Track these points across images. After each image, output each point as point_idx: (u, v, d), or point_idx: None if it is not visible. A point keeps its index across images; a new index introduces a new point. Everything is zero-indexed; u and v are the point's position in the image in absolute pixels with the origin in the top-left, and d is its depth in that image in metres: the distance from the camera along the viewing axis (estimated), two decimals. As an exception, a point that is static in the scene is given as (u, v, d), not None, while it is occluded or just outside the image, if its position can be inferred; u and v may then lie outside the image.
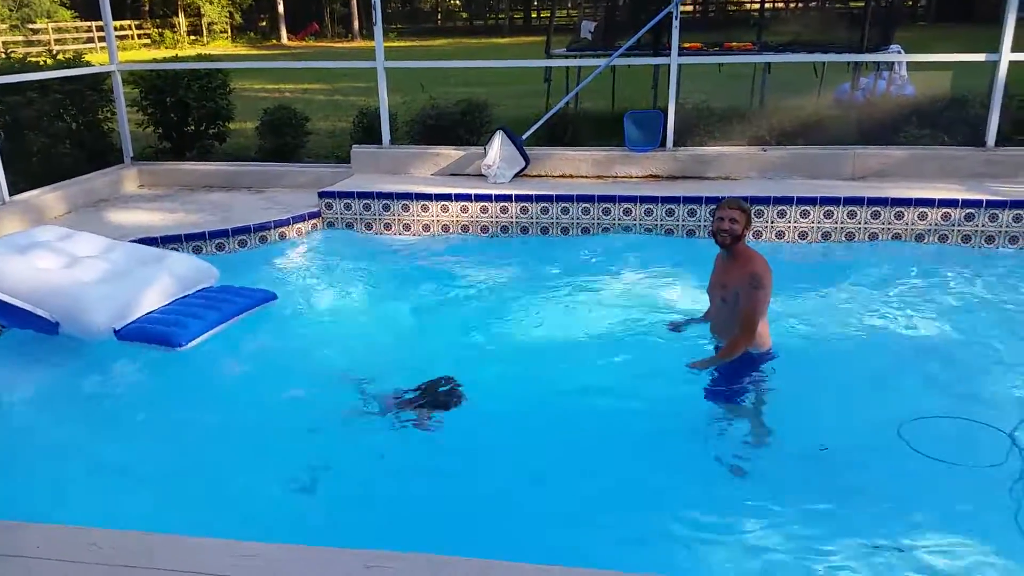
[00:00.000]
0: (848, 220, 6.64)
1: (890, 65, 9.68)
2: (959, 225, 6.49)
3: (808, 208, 6.68)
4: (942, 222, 6.51)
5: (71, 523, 2.69)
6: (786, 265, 6.24)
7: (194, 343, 4.66)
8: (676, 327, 4.72)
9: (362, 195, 7.23)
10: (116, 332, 4.72)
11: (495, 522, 3.41)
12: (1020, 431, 3.84)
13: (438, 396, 4.36)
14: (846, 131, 8.18)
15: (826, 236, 6.70)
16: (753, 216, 4.26)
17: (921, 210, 6.52)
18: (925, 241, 6.54)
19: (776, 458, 3.87)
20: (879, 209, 6.58)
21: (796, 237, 6.73)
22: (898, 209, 6.55)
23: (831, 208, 6.65)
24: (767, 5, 17.13)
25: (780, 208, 6.71)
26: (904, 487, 3.58)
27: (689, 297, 5.55)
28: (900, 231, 6.58)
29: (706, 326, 4.56)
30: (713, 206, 6.65)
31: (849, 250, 6.53)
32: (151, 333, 4.70)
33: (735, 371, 4.21)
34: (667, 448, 3.95)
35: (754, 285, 4.05)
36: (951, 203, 6.49)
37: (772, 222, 6.74)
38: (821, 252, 6.54)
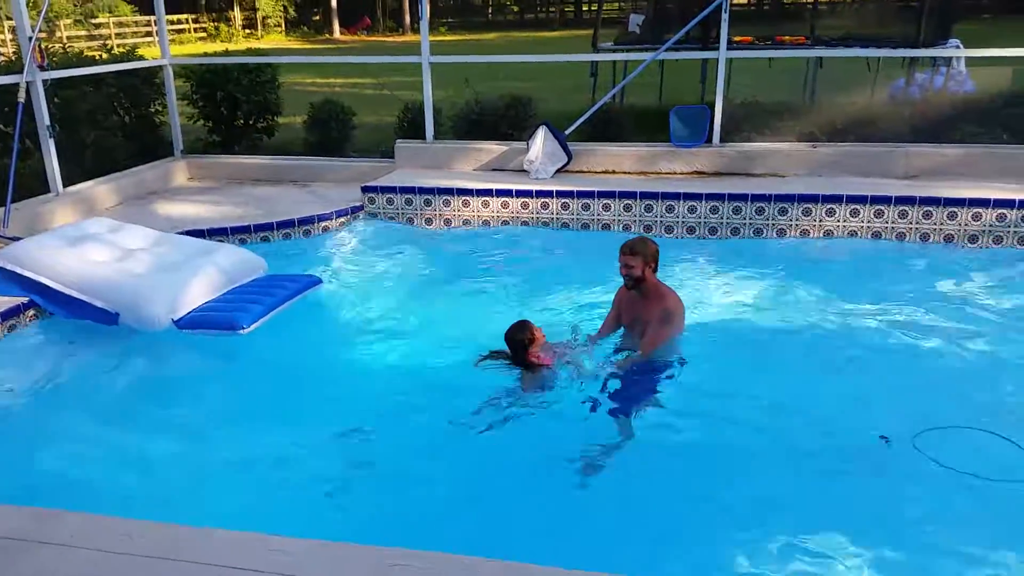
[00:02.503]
0: (899, 220, 6.46)
1: (948, 60, 9.39)
2: (1016, 226, 6.27)
3: (858, 207, 6.52)
4: (997, 223, 6.30)
5: (110, 513, 2.74)
6: (836, 264, 6.12)
7: (255, 326, 4.81)
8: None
9: (404, 190, 7.26)
10: (175, 322, 4.86)
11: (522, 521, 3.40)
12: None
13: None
14: (900, 129, 7.96)
15: (876, 236, 6.53)
16: (656, 251, 4.47)
17: (976, 210, 6.31)
18: (978, 243, 6.34)
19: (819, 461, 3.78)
20: (931, 209, 6.39)
21: (846, 235, 6.57)
22: (951, 209, 6.35)
23: (882, 207, 6.48)
24: (822, -2, 16.78)
25: (829, 207, 6.55)
26: (920, 498, 3.47)
27: (719, 297, 5.46)
28: (952, 232, 6.38)
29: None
30: (760, 204, 6.58)
31: (900, 250, 6.35)
32: (213, 320, 4.87)
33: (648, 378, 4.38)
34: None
35: (664, 320, 4.41)
36: (1007, 204, 6.26)
37: (821, 220, 6.59)
38: (872, 252, 6.37)
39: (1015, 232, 6.28)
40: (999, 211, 6.27)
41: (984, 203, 6.29)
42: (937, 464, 3.59)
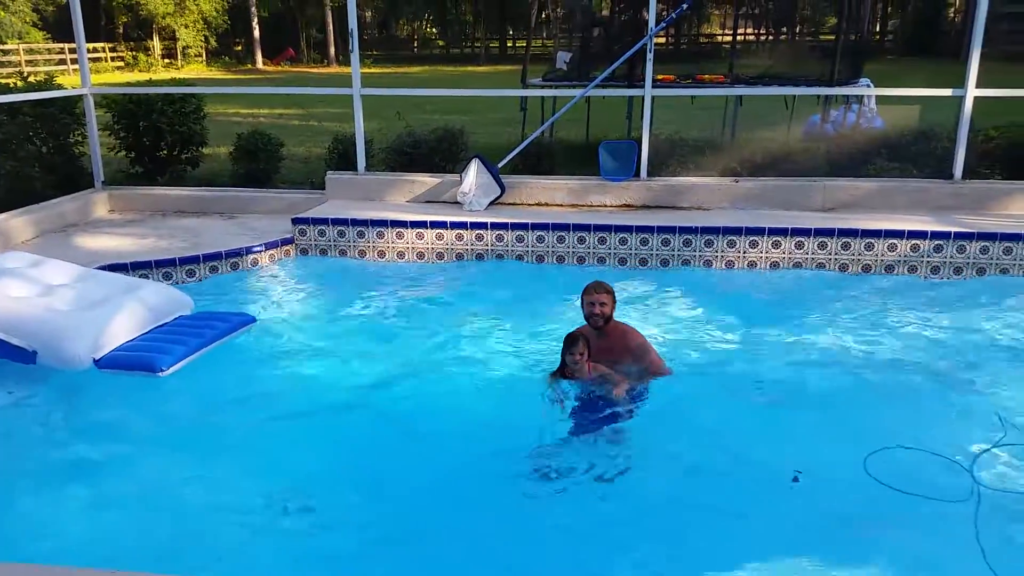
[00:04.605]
0: (819, 251, 6.72)
1: (860, 98, 9.86)
2: (928, 256, 6.59)
3: (780, 239, 6.75)
4: (912, 253, 6.61)
5: (48, 561, 2.60)
6: (758, 295, 6.31)
7: (174, 368, 4.66)
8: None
9: (336, 221, 7.20)
10: (96, 361, 4.67)
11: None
12: (978, 465, 3.87)
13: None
14: (816, 163, 8.30)
15: (797, 266, 6.77)
16: (616, 298, 4.68)
17: (891, 241, 6.62)
18: (895, 272, 6.63)
19: (743, 491, 3.86)
20: (849, 240, 6.67)
21: (767, 267, 6.80)
22: (868, 240, 6.64)
23: (802, 239, 6.73)
24: (739, 37, 17.42)
25: (752, 239, 6.77)
26: (870, 520, 3.58)
27: (665, 328, 5.57)
28: (870, 262, 6.67)
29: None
30: (688, 236, 6.76)
31: (819, 280, 6.59)
32: (132, 360, 4.70)
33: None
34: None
35: (643, 352, 4.59)
36: (920, 235, 6.59)
37: (744, 252, 6.80)
38: (792, 282, 6.59)
39: (928, 262, 6.60)
40: (912, 242, 6.58)
41: (899, 234, 6.60)
42: (883, 485, 3.70)
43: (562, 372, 4.55)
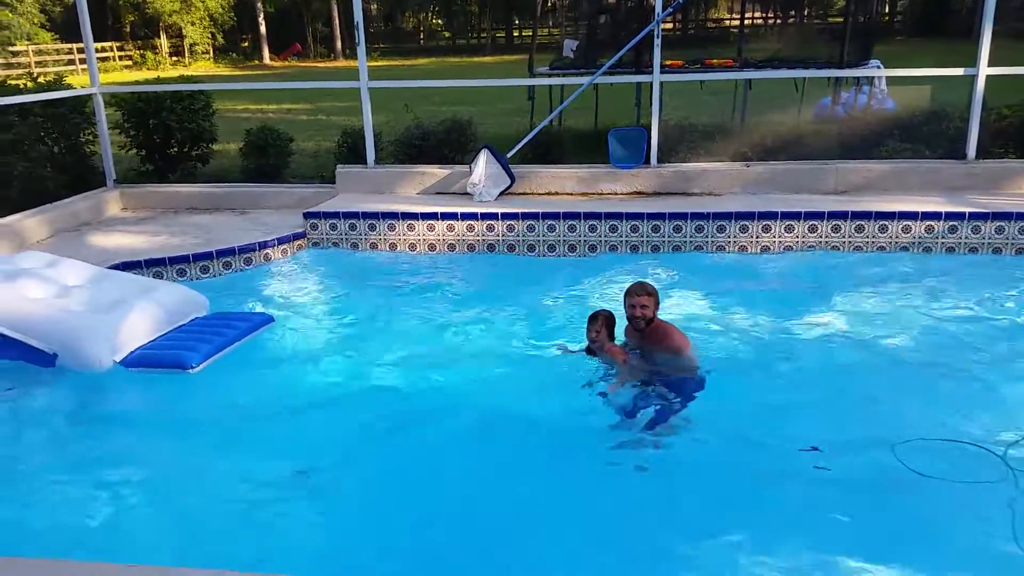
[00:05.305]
0: (832, 234, 6.68)
1: (870, 80, 9.79)
2: (943, 237, 6.55)
3: (792, 223, 6.72)
4: (926, 234, 6.57)
5: (72, 556, 2.64)
6: (771, 280, 6.28)
7: (203, 366, 4.71)
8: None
9: (347, 215, 7.21)
10: (120, 361, 4.72)
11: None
12: (1014, 450, 3.83)
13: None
14: (828, 146, 8.25)
15: (811, 249, 6.73)
16: (660, 297, 4.65)
17: (905, 223, 6.57)
18: (910, 253, 6.59)
19: (763, 478, 3.85)
20: (863, 223, 6.63)
21: (781, 251, 6.77)
22: (882, 222, 6.60)
23: (815, 223, 6.69)
24: (746, 21, 17.31)
25: (765, 223, 6.74)
26: (899, 507, 3.57)
27: (679, 314, 5.56)
28: (884, 244, 6.63)
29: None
30: (700, 222, 6.74)
31: (835, 264, 6.56)
32: (160, 359, 4.75)
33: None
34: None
35: (676, 354, 4.52)
36: (934, 216, 6.54)
37: (757, 237, 6.77)
38: (807, 266, 6.56)
39: (943, 243, 6.55)
40: (927, 223, 6.54)
41: (913, 216, 6.56)
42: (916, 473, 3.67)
43: (588, 348, 4.73)
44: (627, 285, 4.69)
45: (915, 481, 3.65)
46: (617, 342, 4.73)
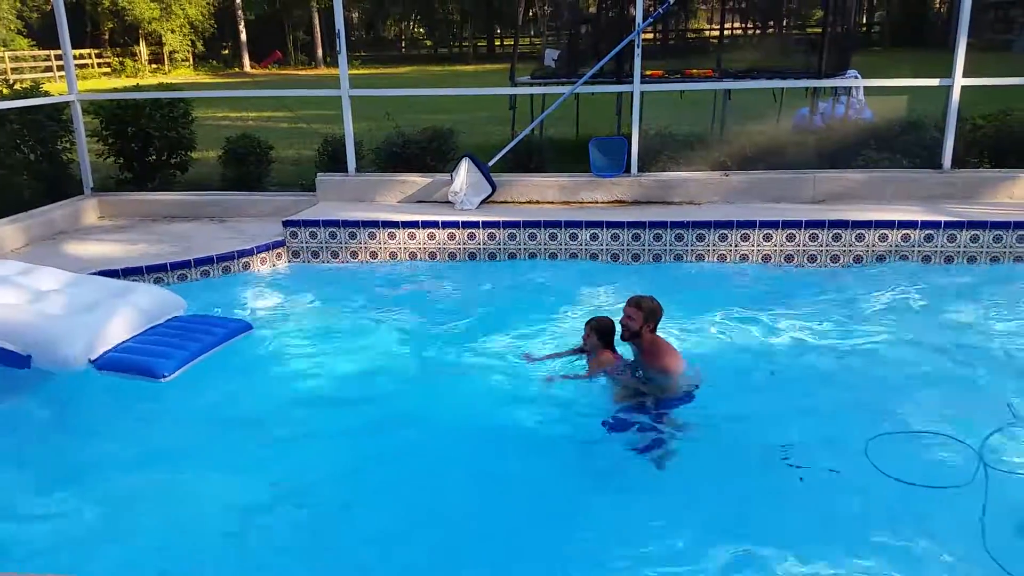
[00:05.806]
0: (810, 243, 6.74)
1: (848, 90, 9.89)
2: (919, 246, 6.62)
3: (771, 231, 6.77)
4: (902, 243, 6.64)
5: (23, 569, 2.60)
6: (750, 288, 6.32)
7: (177, 374, 4.60)
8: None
9: (327, 223, 7.19)
10: (92, 362, 4.63)
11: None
12: (986, 447, 3.88)
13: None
14: (806, 155, 8.32)
15: (789, 259, 6.79)
16: (656, 311, 4.63)
17: (882, 231, 6.64)
18: (886, 262, 6.65)
19: (743, 483, 3.87)
20: (840, 232, 6.68)
21: (759, 260, 6.81)
22: (859, 231, 6.66)
23: (793, 231, 6.75)
24: (726, 32, 17.45)
25: (743, 232, 6.79)
26: (870, 507, 3.60)
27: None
28: (861, 252, 6.69)
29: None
30: (679, 231, 6.77)
31: (812, 272, 6.61)
32: (132, 363, 4.63)
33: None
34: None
35: (660, 372, 4.55)
36: (911, 224, 6.61)
37: (736, 246, 6.81)
38: (784, 275, 6.61)
39: (919, 251, 6.63)
40: (903, 232, 6.61)
41: (889, 224, 6.63)
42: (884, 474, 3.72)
43: (581, 348, 4.92)
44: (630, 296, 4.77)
45: (885, 481, 3.69)
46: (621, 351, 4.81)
